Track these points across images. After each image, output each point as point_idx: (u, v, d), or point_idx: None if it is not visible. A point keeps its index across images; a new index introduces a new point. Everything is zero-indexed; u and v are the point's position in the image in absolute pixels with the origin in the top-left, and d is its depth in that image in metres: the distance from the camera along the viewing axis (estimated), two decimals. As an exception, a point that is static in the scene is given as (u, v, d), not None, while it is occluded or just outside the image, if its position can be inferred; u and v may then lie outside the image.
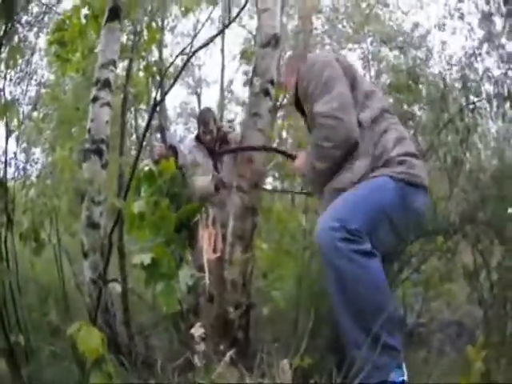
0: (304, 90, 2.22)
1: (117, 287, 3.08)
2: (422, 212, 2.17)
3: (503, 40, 5.00)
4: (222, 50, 17.30)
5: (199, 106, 19.23)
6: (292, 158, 2.39)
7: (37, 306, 3.07)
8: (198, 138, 4.06)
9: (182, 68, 2.63)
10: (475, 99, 4.16)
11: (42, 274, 3.48)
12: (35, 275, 3.31)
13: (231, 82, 16.72)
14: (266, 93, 2.56)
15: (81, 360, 2.23)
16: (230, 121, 4.55)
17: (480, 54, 5.07)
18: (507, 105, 4.75)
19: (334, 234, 1.86)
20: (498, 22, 5.17)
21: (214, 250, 2.20)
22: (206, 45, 2.43)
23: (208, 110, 4.19)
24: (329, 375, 1.63)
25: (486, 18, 5.22)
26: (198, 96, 20.29)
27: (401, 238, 2.12)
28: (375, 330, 1.78)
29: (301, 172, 2.32)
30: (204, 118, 3.99)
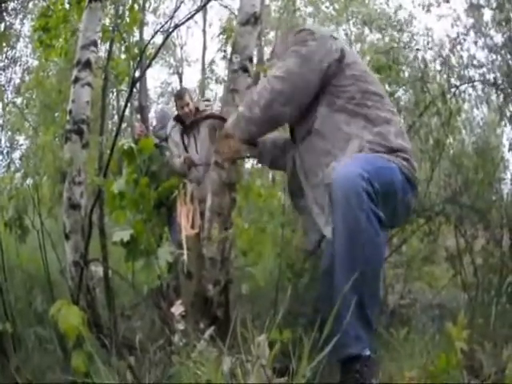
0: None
1: (99, 270, 3.08)
2: (411, 211, 2.18)
3: (492, 32, 5.03)
4: (204, 31, 17.31)
5: (180, 85, 19.22)
6: (224, 119, 2.39)
7: (23, 293, 3.06)
8: (176, 118, 4.20)
9: (162, 44, 2.61)
10: (458, 83, 4.19)
11: (28, 261, 3.47)
12: (21, 263, 3.31)
13: (212, 60, 16.71)
14: (245, 70, 2.56)
15: (64, 344, 2.23)
16: (207, 100, 4.62)
17: (465, 40, 5.10)
18: (492, 93, 4.80)
19: (361, 183, 1.72)
20: (487, 13, 5.21)
21: (193, 226, 2.19)
22: (185, 21, 2.42)
23: (183, 87, 4.35)
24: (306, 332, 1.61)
25: (474, 7, 5.25)
26: (180, 75, 20.26)
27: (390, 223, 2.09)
28: (364, 300, 1.76)
29: (231, 130, 2.30)
30: (179, 93, 4.21)
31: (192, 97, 4.16)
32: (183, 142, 3.55)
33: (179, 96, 4.11)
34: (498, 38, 4.92)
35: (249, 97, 2.20)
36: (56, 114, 7.19)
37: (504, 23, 4.74)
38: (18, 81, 9.06)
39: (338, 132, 2.07)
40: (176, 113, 4.24)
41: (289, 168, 2.38)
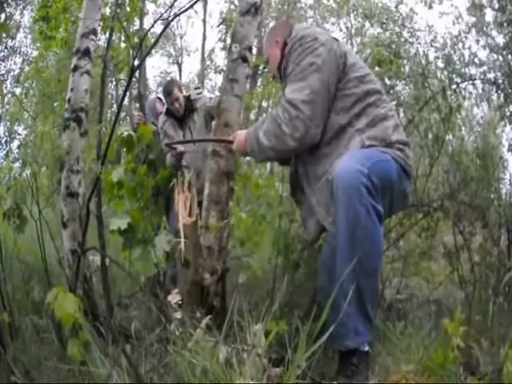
0: (285, 66, 2.20)
1: (96, 259, 3.07)
2: (409, 198, 2.23)
3: (494, 32, 5.02)
4: (204, 21, 17.32)
5: (180, 75, 19.25)
6: (230, 142, 2.34)
7: (20, 283, 3.06)
8: (167, 112, 4.04)
9: (162, 32, 2.61)
10: (459, 80, 4.18)
11: (26, 251, 3.46)
12: (19, 253, 3.30)
13: (212, 50, 16.65)
14: (244, 59, 2.55)
15: (61, 333, 2.23)
16: (198, 88, 4.45)
17: (466, 38, 5.09)
18: (493, 92, 4.79)
19: (361, 178, 1.77)
20: (488, 13, 5.21)
21: (190, 215, 2.18)
22: (185, 10, 2.40)
23: (170, 80, 4.18)
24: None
25: (476, 6, 5.24)
26: (179, 65, 20.26)
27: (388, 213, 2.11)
28: (363, 295, 1.78)
29: (242, 148, 2.25)
30: (167, 89, 3.97)
31: (181, 88, 3.98)
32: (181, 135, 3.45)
33: (167, 92, 3.92)
34: (500, 39, 4.92)
35: (274, 125, 2.08)
36: (55, 104, 7.19)
37: (506, 24, 4.74)
38: (17, 71, 9.09)
39: (342, 134, 2.09)
40: (166, 107, 4.07)
41: (291, 171, 2.40)
